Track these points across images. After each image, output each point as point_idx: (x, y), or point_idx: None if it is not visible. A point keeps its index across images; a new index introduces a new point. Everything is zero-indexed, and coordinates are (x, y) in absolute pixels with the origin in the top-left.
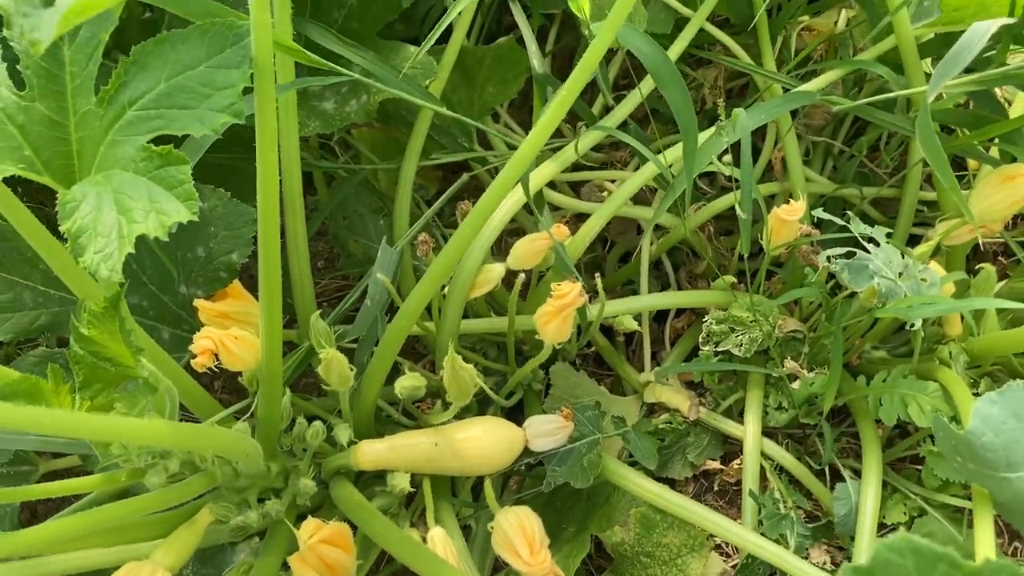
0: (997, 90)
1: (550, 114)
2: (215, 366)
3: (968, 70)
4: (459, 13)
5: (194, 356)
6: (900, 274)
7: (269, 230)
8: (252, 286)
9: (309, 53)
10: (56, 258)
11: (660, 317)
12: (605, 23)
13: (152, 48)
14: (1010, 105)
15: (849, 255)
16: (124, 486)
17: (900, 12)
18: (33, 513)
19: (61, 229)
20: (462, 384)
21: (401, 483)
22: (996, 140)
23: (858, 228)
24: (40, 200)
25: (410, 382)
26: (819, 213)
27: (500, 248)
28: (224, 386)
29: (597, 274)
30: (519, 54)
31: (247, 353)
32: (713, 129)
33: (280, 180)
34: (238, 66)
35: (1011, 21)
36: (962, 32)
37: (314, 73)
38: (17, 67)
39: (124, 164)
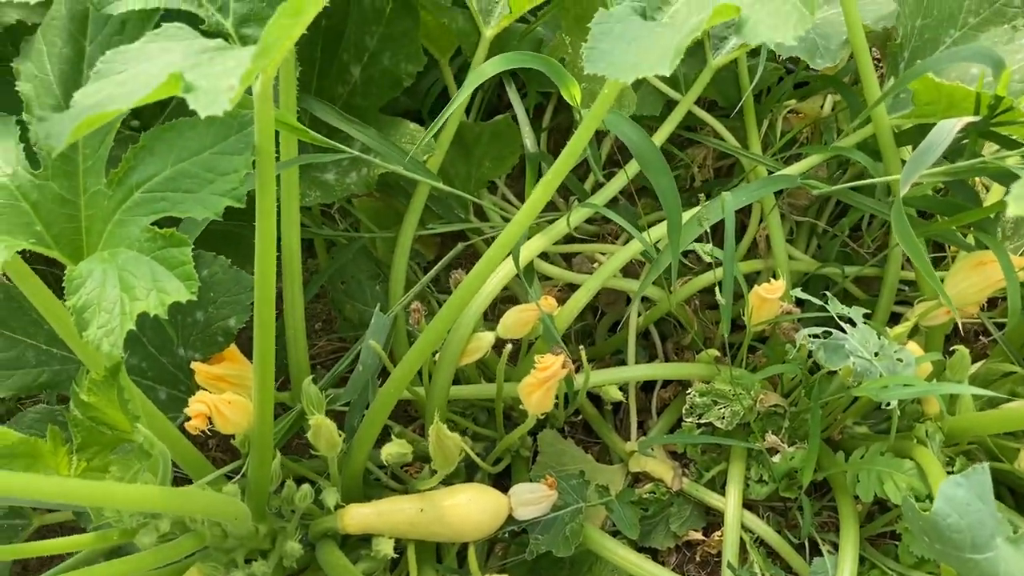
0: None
1: (536, 196)
2: (208, 428)
3: (946, 158)
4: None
5: (189, 418)
6: (876, 354)
7: (265, 304)
8: (247, 349)
9: (311, 131)
10: (61, 324)
11: (648, 387)
12: (591, 110)
13: (161, 134)
14: (988, 191)
15: (826, 334)
16: (116, 544)
17: (878, 103)
18: (24, 567)
19: (66, 304)
20: (447, 452)
21: (385, 548)
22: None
23: (836, 308)
24: (47, 262)
25: (396, 449)
26: (798, 293)
27: (494, 314)
28: (219, 444)
29: (582, 346)
30: (515, 131)
31: (240, 417)
32: (698, 208)
33: (280, 248)
34: (241, 152)
35: (976, 119)
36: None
37: (318, 147)
38: (34, 148)
39: (129, 243)
